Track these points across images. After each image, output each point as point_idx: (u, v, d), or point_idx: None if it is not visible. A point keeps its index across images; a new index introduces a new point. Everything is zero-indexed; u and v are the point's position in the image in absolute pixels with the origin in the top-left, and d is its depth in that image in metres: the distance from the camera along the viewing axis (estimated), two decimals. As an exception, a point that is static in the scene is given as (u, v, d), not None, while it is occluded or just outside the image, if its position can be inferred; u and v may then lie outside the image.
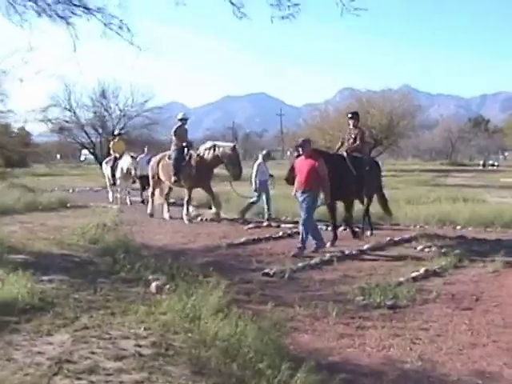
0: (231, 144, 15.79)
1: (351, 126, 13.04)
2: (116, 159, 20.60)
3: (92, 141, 43.50)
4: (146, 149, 21.07)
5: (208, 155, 15.06)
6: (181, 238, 12.38)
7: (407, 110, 49.74)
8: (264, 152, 16.99)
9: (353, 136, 12.79)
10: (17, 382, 4.57)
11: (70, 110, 38.62)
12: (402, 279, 8.58)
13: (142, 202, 19.81)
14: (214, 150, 15.06)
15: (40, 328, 6.00)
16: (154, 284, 7.79)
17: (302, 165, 10.95)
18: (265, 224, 14.68)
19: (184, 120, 15.63)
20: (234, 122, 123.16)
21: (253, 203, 15.86)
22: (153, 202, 16.64)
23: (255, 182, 15.64)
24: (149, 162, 18.74)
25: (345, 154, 12.44)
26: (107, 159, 21.90)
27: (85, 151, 57.84)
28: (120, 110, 45.80)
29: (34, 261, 9.00)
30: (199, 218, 15.53)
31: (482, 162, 74.11)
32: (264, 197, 15.64)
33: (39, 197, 19.06)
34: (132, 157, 19.20)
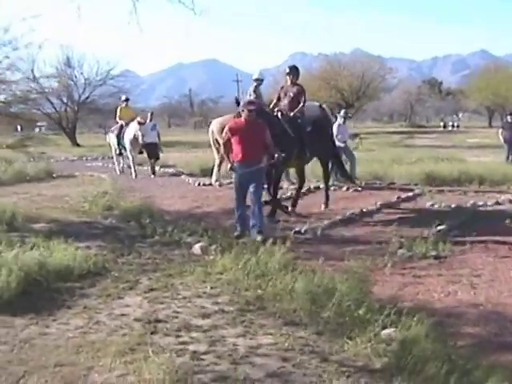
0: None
1: (288, 83, 11.09)
2: (122, 127, 18.78)
3: (57, 110, 42.61)
4: (149, 114, 19.47)
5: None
6: (191, 202, 12.27)
7: (377, 73, 50.11)
8: (342, 113, 16.39)
9: (291, 94, 10.85)
10: (121, 342, 4.54)
11: (33, 80, 37.49)
12: (429, 232, 8.70)
13: (152, 171, 18.41)
14: None
15: (107, 292, 5.98)
16: (197, 246, 7.76)
17: (248, 129, 8.74)
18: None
19: (260, 80, 14.47)
20: (190, 89, 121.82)
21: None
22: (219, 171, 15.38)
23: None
24: (153, 128, 18.36)
25: (279, 114, 10.53)
26: (113, 127, 20.05)
27: (42, 123, 56.10)
28: (85, 79, 44.95)
29: (60, 229, 8.82)
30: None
31: (442, 124, 75.14)
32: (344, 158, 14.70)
33: (24, 168, 18.60)
34: (139, 123, 17.60)
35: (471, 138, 44.78)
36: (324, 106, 11.60)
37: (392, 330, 4.52)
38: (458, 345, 4.44)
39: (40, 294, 5.83)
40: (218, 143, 14.05)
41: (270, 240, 7.25)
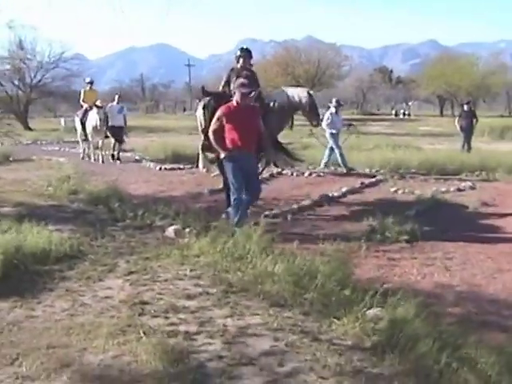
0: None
1: (239, 66, 10.12)
2: (87, 111, 17.95)
3: (8, 93, 41.60)
4: (116, 97, 18.74)
5: None
6: (157, 186, 12.26)
7: (333, 60, 50.49)
8: (334, 101, 16.14)
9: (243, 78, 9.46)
10: (111, 324, 4.55)
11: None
12: (397, 217, 8.88)
13: (113, 156, 17.87)
14: None
15: (87, 274, 5.96)
16: (171, 229, 7.76)
17: (244, 115, 8.06)
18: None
19: None
20: (142, 74, 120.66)
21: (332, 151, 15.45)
22: None
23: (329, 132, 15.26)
24: (120, 111, 17.98)
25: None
26: (78, 111, 18.99)
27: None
28: (37, 62, 44.03)
29: (29, 212, 8.68)
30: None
31: (394, 112, 76.33)
32: (335, 148, 15.31)
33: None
34: (97, 106, 16.89)
35: (423, 126, 45.69)
36: (311, 92, 11.13)
37: (378, 309, 4.64)
38: (443, 323, 4.59)
39: (20, 277, 5.77)
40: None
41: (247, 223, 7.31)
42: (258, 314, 4.82)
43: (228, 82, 10.00)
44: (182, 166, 15.50)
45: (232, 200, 8.08)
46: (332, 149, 15.45)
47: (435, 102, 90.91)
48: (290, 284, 5.34)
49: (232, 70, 10.19)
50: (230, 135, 8.00)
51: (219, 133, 8.07)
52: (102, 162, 17.12)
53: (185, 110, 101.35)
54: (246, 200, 8.04)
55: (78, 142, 19.97)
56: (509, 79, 70.98)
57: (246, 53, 10.17)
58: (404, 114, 73.55)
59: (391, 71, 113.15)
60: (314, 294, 5.10)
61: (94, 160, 17.47)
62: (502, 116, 64.02)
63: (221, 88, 10.16)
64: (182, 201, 10.29)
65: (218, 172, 13.01)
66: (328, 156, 15.50)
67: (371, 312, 4.61)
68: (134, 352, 4.01)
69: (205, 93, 10.03)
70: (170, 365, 3.80)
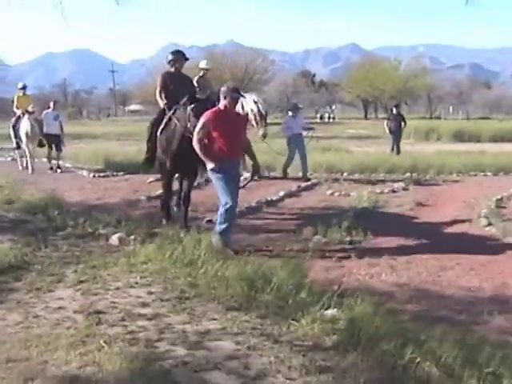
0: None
1: (173, 69, 9.59)
2: (19, 118, 16.92)
3: None
4: (52, 103, 17.81)
5: None
6: (92, 194, 12.07)
7: (260, 66, 50.87)
8: (290, 106, 16.05)
9: (180, 83, 9.40)
10: (69, 335, 4.49)
11: None
12: (337, 219, 9.08)
13: (52, 168, 16.94)
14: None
15: (35, 285, 5.81)
16: (114, 237, 7.70)
17: (232, 123, 7.55)
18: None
19: (206, 70, 13.83)
20: (65, 79, 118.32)
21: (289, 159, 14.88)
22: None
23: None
24: (56, 118, 17.31)
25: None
26: (13, 119, 17.73)
27: None
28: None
29: (-37, 223, 8.45)
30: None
31: (319, 115, 77.38)
32: (297, 152, 14.58)
33: None
34: (28, 112, 16.03)
35: (349, 129, 46.65)
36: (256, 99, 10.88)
37: (335, 310, 4.76)
38: (400, 321, 4.76)
39: (-35, 290, 5.62)
40: None
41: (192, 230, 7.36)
42: (215, 319, 4.85)
43: (165, 87, 9.38)
44: (115, 173, 15.35)
45: (223, 210, 7.45)
46: (293, 152, 14.96)
47: (358, 106, 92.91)
48: (244, 288, 5.41)
49: (167, 74, 9.63)
50: (217, 143, 7.42)
51: (203, 143, 7.46)
52: (32, 170, 16.35)
53: (109, 115, 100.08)
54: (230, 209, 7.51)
55: (6, 149, 19.37)
56: (430, 82, 73.58)
57: (180, 55, 9.60)
58: (329, 118, 74.72)
59: (314, 75, 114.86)
60: (269, 297, 5.19)
61: (26, 168, 16.81)
62: (423, 118, 66.18)
63: (157, 93, 9.47)
64: (121, 208, 10.18)
65: (153, 178, 13.03)
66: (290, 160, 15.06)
67: (329, 312, 4.72)
68: (98, 362, 3.97)
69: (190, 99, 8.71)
70: (136, 373, 3.80)
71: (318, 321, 4.57)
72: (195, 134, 7.47)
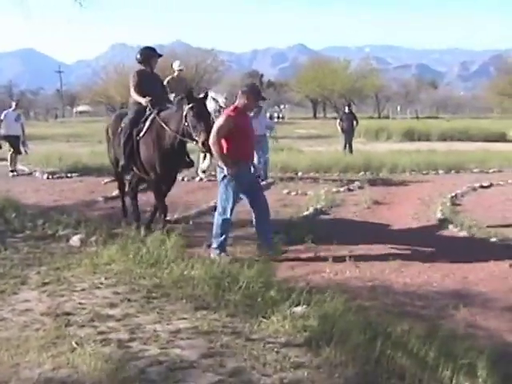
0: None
1: (148, 68, 8.90)
2: None
3: None
4: (13, 103, 17.05)
5: None
6: (48, 195, 11.91)
7: (210, 66, 50.88)
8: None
9: (156, 82, 9.02)
10: (39, 337, 4.46)
11: None
12: (296, 218, 9.22)
13: (13, 171, 16.14)
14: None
15: (-1, 288, 5.74)
16: (76, 238, 7.65)
17: (246, 123, 7.36)
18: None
19: (181, 70, 13.87)
20: (11, 80, 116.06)
21: None
22: None
23: None
24: (17, 119, 16.66)
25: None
26: None
27: None
28: None
29: None
30: None
31: (268, 115, 77.53)
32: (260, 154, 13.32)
33: None
34: None
35: (299, 128, 47.05)
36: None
37: (304, 307, 4.85)
38: (368, 315, 4.88)
39: None
40: None
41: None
42: (185, 318, 4.87)
43: (139, 86, 8.58)
44: (69, 175, 15.18)
45: (220, 220, 7.30)
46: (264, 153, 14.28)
47: (307, 105, 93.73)
48: (212, 287, 5.46)
49: (142, 71, 8.81)
50: (234, 145, 7.04)
51: (220, 144, 7.03)
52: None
53: (57, 116, 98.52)
54: (263, 217, 7.48)
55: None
56: (378, 82, 74.79)
57: (153, 52, 8.96)
58: (278, 117, 75.09)
59: (262, 75, 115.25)
60: (236, 295, 5.24)
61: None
62: (372, 117, 67.20)
63: (133, 92, 8.65)
64: (78, 209, 10.05)
65: (109, 179, 12.95)
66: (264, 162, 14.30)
67: (298, 309, 4.80)
68: (72, 363, 3.96)
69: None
70: (111, 373, 3.79)
71: (289, 318, 4.64)
72: (214, 134, 6.97)
